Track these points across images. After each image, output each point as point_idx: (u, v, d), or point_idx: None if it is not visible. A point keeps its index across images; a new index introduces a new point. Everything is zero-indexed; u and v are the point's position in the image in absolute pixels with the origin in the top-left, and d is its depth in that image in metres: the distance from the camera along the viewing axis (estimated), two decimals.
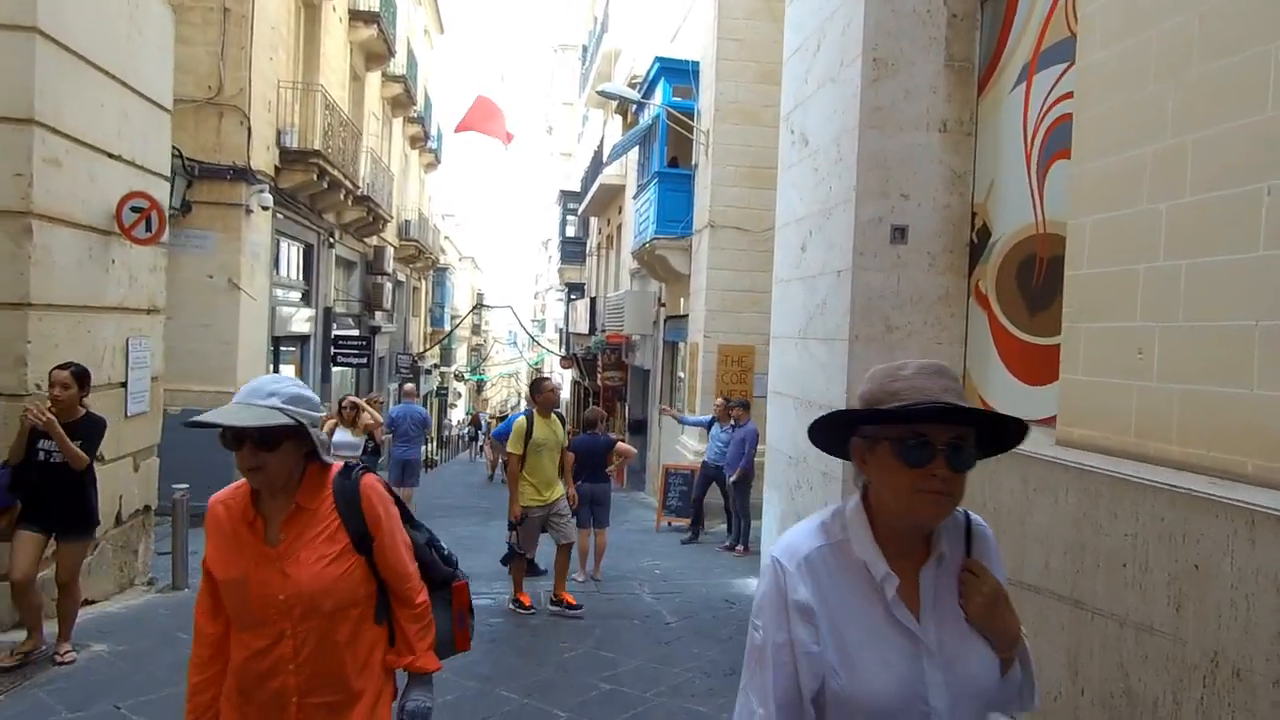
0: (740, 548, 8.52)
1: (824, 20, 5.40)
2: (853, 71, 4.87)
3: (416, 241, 22.97)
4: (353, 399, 8.40)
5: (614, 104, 19.69)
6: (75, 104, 5.19)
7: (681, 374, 13.11)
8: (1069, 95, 3.64)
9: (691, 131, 11.07)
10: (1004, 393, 4.25)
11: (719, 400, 14.85)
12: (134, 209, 5.70)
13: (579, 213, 24.81)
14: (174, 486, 6.65)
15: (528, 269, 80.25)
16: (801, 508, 5.46)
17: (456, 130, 20.42)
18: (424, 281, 29.81)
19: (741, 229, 10.42)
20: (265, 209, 10.06)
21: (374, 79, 17.69)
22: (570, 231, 28.80)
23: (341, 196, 13.11)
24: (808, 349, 5.41)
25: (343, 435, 8.00)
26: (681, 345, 12.70)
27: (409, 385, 10.92)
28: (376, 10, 15.49)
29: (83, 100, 5.29)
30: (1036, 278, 4.01)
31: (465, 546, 8.43)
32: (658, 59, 11.29)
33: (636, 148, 14.38)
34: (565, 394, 35.96)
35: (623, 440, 13.53)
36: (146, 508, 6.67)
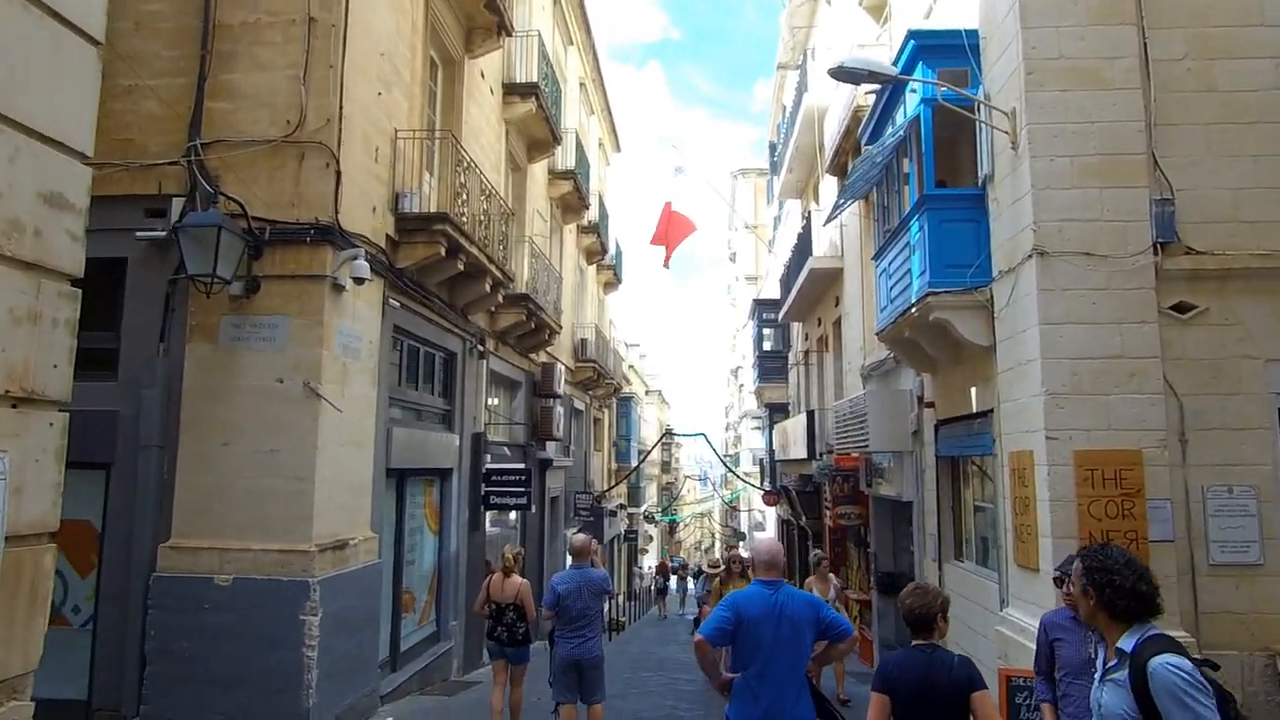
0: None
1: None
2: None
3: (595, 363, 20.12)
4: None
5: (817, 178, 16.27)
6: None
7: (978, 504, 8.59)
8: None
9: (974, 118, 7.18)
10: None
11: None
12: None
13: (779, 319, 21.12)
14: None
15: (715, 403, 77.30)
16: None
17: (653, 242, 19.40)
18: (606, 412, 26.94)
19: (1095, 254, 6.18)
20: (360, 281, 7.07)
21: (538, 172, 15.35)
22: (767, 346, 25.08)
23: (488, 288, 10.17)
24: None
25: None
26: (979, 462, 8.28)
27: (578, 536, 7.01)
28: (535, 82, 13.13)
29: None
30: None
31: None
32: (911, 34, 7.60)
33: (865, 197, 10.61)
34: (770, 533, 31.26)
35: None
36: None
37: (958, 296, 7.39)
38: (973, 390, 7.90)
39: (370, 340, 7.68)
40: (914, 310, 7.82)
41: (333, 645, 6.60)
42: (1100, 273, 6.18)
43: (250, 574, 6.43)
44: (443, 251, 8.49)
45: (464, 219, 9.12)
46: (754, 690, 3.88)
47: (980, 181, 7.42)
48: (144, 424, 6.63)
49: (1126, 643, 2.58)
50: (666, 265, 19.70)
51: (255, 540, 6.49)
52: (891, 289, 8.86)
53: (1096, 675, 2.73)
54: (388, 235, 8.11)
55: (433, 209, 8.89)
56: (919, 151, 7.75)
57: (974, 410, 7.90)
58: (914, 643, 3.31)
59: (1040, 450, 6.16)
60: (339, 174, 6.93)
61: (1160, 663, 2.44)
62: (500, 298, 11.16)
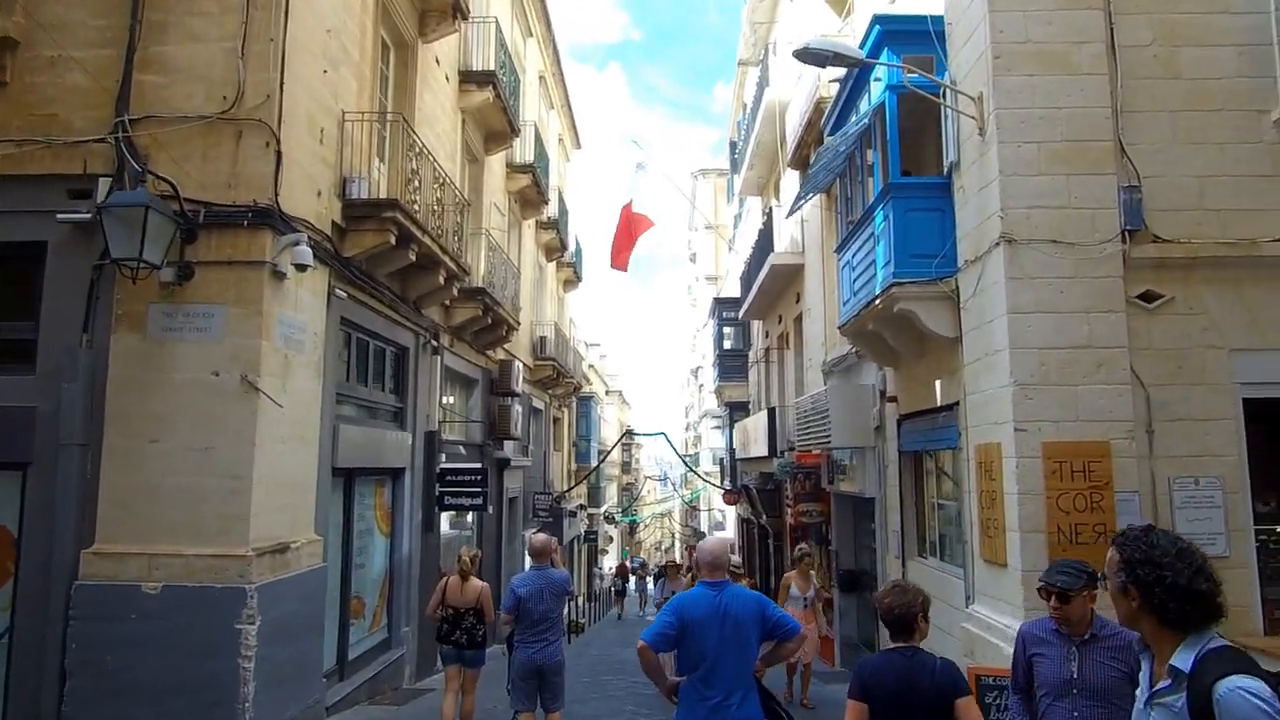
0: None
1: None
2: None
3: (554, 361, 19.77)
4: None
5: (778, 174, 16.16)
6: None
7: (941, 501, 8.48)
8: None
9: (940, 105, 7.05)
10: None
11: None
12: None
13: (739, 318, 21.01)
14: None
15: (675, 403, 77.19)
16: None
17: (616, 257, 19.25)
18: (566, 412, 26.59)
19: (1062, 242, 6.07)
20: (303, 268, 6.67)
21: (496, 165, 14.97)
22: (728, 344, 24.97)
23: (442, 280, 9.80)
24: None
25: None
26: (942, 456, 8.17)
27: (538, 536, 6.71)
28: (492, 71, 12.78)
29: None
30: None
31: None
32: (876, 19, 7.45)
33: (828, 190, 10.48)
34: (730, 532, 31.13)
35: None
36: None
37: (923, 287, 7.26)
38: (937, 383, 7.78)
39: (314, 332, 7.29)
40: (878, 302, 7.67)
41: (272, 654, 6.21)
42: (1068, 261, 6.07)
43: (182, 580, 6.01)
44: (393, 240, 8.13)
45: (416, 207, 8.76)
46: (701, 693, 3.78)
47: (946, 170, 7.29)
48: (65, 420, 6.17)
49: (1183, 658, 2.02)
50: (625, 269, 19.28)
51: (187, 544, 6.07)
52: (855, 281, 8.71)
53: (1141, 696, 2.18)
54: (334, 222, 7.72)
55: (383, 195, 8.53)
56: (884, 140, 7.61)
57: (938, 404, 7.77)
58: (893, 645, 3.09)
59: (1008, 442, 6.02)
60: (279, 154, 6.53)
61: (1232, 688, 1.88)
62: (455, 291, 10.80)
